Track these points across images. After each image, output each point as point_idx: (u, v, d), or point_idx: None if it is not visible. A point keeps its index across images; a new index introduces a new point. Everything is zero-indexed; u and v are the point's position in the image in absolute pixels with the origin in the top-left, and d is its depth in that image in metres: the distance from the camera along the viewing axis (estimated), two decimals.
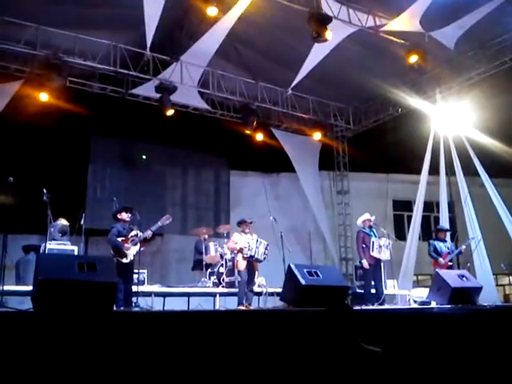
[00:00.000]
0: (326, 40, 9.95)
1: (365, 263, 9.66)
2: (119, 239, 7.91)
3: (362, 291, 10.24)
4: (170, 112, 12.01)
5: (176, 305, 9.75)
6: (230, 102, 13.80)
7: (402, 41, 11.25)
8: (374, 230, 10.00)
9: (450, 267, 10.14)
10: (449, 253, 10.20)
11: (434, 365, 5.19)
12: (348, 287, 8.53)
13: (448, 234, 10.68)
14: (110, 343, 4.04)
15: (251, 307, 8.85)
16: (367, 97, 14.66)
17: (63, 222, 9.75)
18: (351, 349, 2.97)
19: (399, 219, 17.58)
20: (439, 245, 10.25)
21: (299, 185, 15.32)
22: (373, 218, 10.08)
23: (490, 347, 5.62)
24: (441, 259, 10.00)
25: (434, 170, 13.38)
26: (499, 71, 12.16)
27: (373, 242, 9.69)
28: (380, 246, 9.70)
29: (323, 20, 9.97)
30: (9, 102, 11.06)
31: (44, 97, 11.01)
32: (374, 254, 9.64)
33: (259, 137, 13.96)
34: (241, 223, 9.31)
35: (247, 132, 13.52)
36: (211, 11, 9.60)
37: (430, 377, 5.12)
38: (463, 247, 10.67)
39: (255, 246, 8.99)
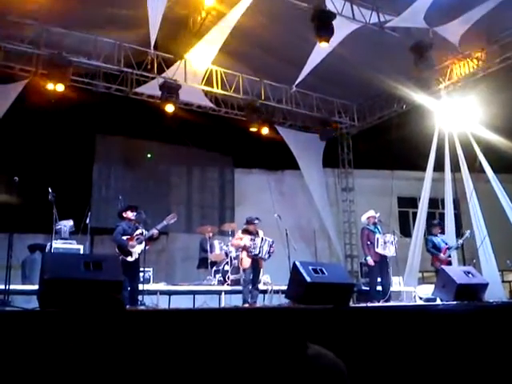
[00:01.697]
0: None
1: (370, 260, 9.66)
2: (124, 238, 7.94)
3: (368, 288, 10.25)
4: (170, 107, 11.97)
5: (181, 303, 9.77)
6: (234, 100, 13.81)
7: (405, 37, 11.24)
8: (379, 227, 10.00)
9: (450, 262, 10.17)
10: (448, 248, 10.22)
11: (440, 362, 5.18)
12: (353, 284, 8.53)
13: (440, 227, 10.69)
14: (116, 341, 4.05)
15: (256, 305, 8.87)
16: (371, 93, 14.61)
17: (71, 222, 9.81)
18: (296, 350, 2.74)
19: (404, 216, 17.55)
20: (437, 240, 10.29)
21: (304, 182, 15.30)
22: (377, 215, 10.08)
23: (496, 344, 5.61)
24: (441, 255, 10.03)
25: (438, 167, 13.34)
26: (504, 66, 12.10)
27: (377, 239, 9.69)
28: (385, 243, 9.70)
29: (327, 17, 9.97)
30: (13, 101, 11.09)
31: (50, 86, 10.91)
32: (379, 250, 9.64)
33: (264, 134, 13.92)
34: (247, 223, 9.30)
35: (252, 130, 13.53)
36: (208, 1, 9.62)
37: (435, 374, 5.11)
38: (460, 242, 10.69)
39: (260, 244, 9.00)
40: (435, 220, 11.45)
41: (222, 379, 4.19)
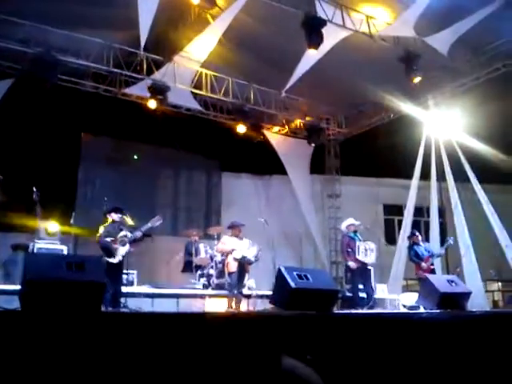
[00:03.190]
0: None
1: (352, 264, 9.70)
2: (108, 239, 7.89)
3: (351, 295, 10.27)
4: (152, 103, 11.93)
5: (165, 306, 9.71)
6: (223, 104, 13.79)
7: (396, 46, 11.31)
8: (358, 235, 10.05)
9: (433, 270, 10.21)
10: (430, 256, 10.26)
11: (423, 370, 5.19)
12: (338, 291, 8.55)
13: (420, 237, 10.72)
14: (97, 344, 4.01)
15: (240, 309, 8.85)
16: (360, 101, 14.68)
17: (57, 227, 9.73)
18: (270, 363, 2.66)
19: (390, 223, 17.61)
20: (420, 249, 10.32)
21: (291, 187, 15.32)
22: (357, 223, 10.12)
23: (478, 353, 5.63)
24: (423, 263, 10.06)
25: (425, 175, 13.42)
26: (492, 77, 12.21)
27: (358, 246, 9.73)
28: (366, 250, 9.74)
29: (317, 24, 10.00)
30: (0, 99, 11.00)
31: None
32: (360, 257, 9.68)
33: (251, 137, 13.91)
34: (232, 227, 9.32)
35: (238, 132, 13.51)
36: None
37: (418, 382, 5.12)
38: (443, 250, 10.74)
39: (246, 248, 9.03)
40: (412, 230, 11.48)
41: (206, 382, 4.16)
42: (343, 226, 10.28)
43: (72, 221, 9.76)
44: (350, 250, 9.81)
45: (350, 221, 10.16)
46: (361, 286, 9.88)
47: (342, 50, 11.26)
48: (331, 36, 10.62)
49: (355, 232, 10.02)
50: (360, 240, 9.92)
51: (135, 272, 9.95)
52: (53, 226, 9.63)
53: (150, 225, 8.25)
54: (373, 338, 5.26)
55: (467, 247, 12.21)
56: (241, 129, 13.45)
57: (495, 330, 6.07)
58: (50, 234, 9.43)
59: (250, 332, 4.65)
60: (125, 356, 4.05)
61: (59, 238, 9.63)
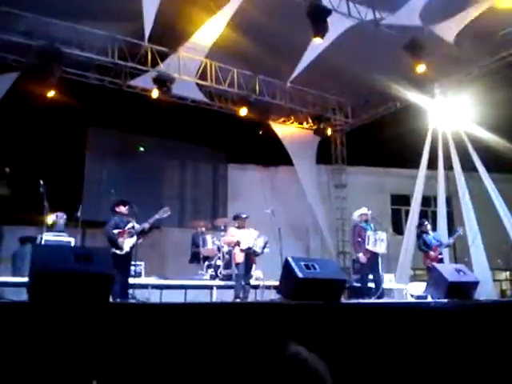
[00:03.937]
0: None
1: (362, 257, 9.64)
2: (116, 231, 7.91)
3: (359, 285, 10.25)
4: (155, 93, 11.90)
5: (173, 297, 9.75)
6: (229, 95, 13.76)
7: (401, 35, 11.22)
8: (371, 224, 10.00)
9: (441, 260, 10.17)
10: (438, 245, 10.22)
11: (431, 359, 5.18)
12: (345, 280, 8.54)
13: (429, 225, 10.68)
14: (106, 335, 4.03)
15: (248, 300, 8.87)
16: (366, 91, 14.58)
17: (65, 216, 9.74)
18: (274, 349, 2.61)
19: (397, 213, 17.59)
20: (428, 238, 10.28)
21: (297, 178, 15.30)
22: (369, 213, 10.07)
23: (485, 342, 5.62)
24: (431, 252, 10.03)
25: (432, 165, 13.37)
26: (499, 66, 12.12)
27: (368, 236, 9.67)
28: (376, 240, 9.68)
29: (322, 13, 9.93)
30: (5, 93, 11.01)
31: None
32: (370, 247, 9.61)
33: (256, 129, 13.92)
34: (236, 218, 9.36)
35: (240, 116, 13.47)
36: None
37: (426, 371, 5.12)
38: (451, 240, 10.68)
39: (253, 239, 9.05)
40: (421, 219, 11.44)
41: (213, 373, 4.17)
42: (356, 215, 10.18)
43: (79, 213, 9.77)
44: (360, 239, 9.76)
45: (363, 210, 10.07)
46: (370, 276, 9.85)
47: (347, 39, 11.19)
48: (336, 25, 10.56)
49: (366, 221, 9.97)
50: (371, 230, 9.86)
51: (143, 263, 9.97)
52: (60, 215, 9.63)
53: (157, 216, 8.25)
54: (381, 327, 5.25)
55: (475, 236, 12.18)
56: (243, 112, 13.35)
57: (503, 319, 6.06)
58: (52, 226, 9.45)
59: (258, 322, 4.66)
60: (133, 346, 4.07)
61: (66, 230, 9.65)
